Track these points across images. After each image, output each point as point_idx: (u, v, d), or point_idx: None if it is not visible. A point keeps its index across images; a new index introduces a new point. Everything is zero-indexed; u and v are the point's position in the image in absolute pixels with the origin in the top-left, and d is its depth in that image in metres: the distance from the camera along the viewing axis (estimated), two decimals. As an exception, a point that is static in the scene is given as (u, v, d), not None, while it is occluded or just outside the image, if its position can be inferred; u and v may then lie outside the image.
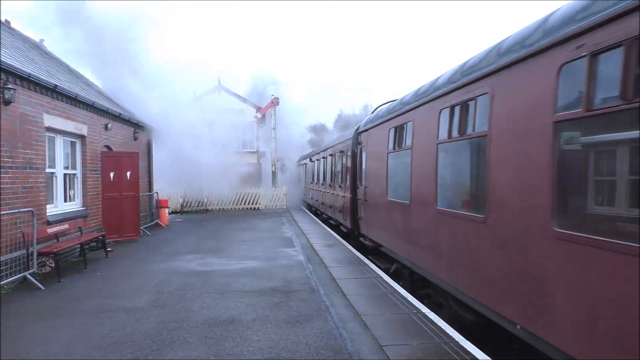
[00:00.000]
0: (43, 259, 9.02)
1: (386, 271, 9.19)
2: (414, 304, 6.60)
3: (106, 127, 13.19)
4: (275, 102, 29.43)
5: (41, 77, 9.43)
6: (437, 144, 6.44)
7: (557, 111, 3.82)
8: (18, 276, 8.10)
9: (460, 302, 5.96)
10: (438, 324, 5.71)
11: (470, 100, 5.44)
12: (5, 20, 13.68)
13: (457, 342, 5.10)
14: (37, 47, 14.04)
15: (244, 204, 25.41)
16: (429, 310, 6.30)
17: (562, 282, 3.76)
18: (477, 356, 4.71)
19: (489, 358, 4.69)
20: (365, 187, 11.06)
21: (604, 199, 3.66)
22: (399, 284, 8.06)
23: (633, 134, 3.16)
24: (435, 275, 6.60)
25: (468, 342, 5.11)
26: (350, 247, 11.91)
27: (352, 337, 5.31)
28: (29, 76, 8.76)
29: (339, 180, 14.85)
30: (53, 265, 9.05)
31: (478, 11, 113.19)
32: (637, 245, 2.97)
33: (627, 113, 3.09)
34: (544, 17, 4.34)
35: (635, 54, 3.05)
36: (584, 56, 3.49)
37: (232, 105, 29.64)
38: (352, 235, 12.85)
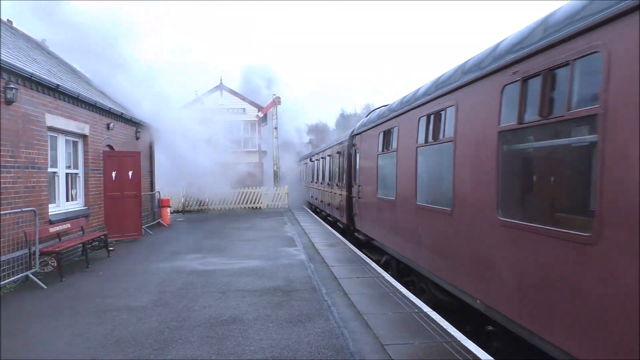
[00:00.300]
0: (45, 259, 9.04)
1: (377, 262, 10.04)
2: (416, 303, 6.60)
3: (108, 127, 13.21)
4: (276, 102, 29.45)
5: (43, 76, 9.45)
6: (417, 147, 7.37)
7: (500, 123, 4.76)
8: (20, 275, 8.12)
9: (438, 287, 6.78)
10: (440, 323, 5.71)
11: (442, 110, 6.38)
12: (7, 20, 13.71)
13: (459, 341, 5.09)
14: (39, 47, 14.07)
15: (246, 204, 25.43)
16: (431, 310, 6.30)
17: (505, 261, 4.69)
18: (479, 356, 4.70)
19: (491, 358, 4.68)
20: (359, 185, 11.89)
21: (535, 193, 4.56)
22: (387, 273, 8.86)
23: (549, 142, 4.23)
24: (416, 263, 7.52)
25: (470, 342, 5.10)
26: (352, 246, 11.90)
27: (354, 337, 5.31)
28: (31, 76, 8.77)
29: (336, 179, 15.64)
30: (55, 264, 9.08)
31: (479, 11, 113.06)
32: (557, 229, 3.86)
33: (544, 127, 4.12)
34: (494, 45, 5.27)
35: (549, 81, 4.04)
36: (518, 80, 4.45)
37: (234, 104, 29.69)
38: (348, 231, 13.74)
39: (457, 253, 5.82)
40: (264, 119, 30.76)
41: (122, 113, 14.10)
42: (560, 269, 3.82)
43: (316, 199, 21.91)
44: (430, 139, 6.86)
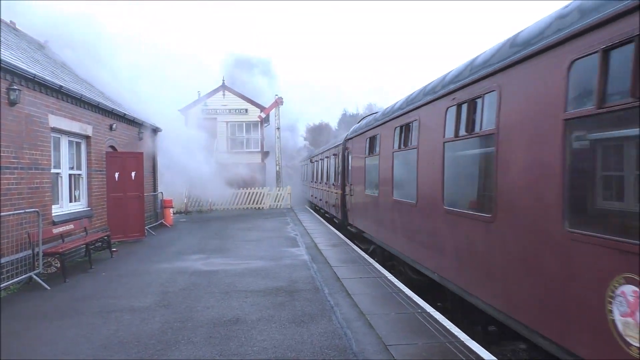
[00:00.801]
0: (48, 259, 9.06)
1: (366, 251, 11.60)
2: (419, 303, 6.59)
3: (111, 128, 13.24)
4: (279, 102, 29.46)
5: (46, 78, 9.47)
6: (393, 152, 8.91)
7: (445, 135, 6.26)
8: (24, 276, 8.14)
9: (412, 268, 8.19)
10: (443, 323, 5.70)
11: (410, 123, 7.94)
12: (11, 21, 13.75)
13: (462, 341, 5.08)
14: (42, 48, 14.10)
15: (248, 204, 25.45)
16: (434, 310, 6.29)
17: (447, 239, 6.23)
18: (483, 356, 4.69)
19: (494, 358, 4.67)
20: (351, 184, 13.51)
21: (464, 188, 6.08)
22: (374, 260, 10.24)
23: (473, 151, 5.76)
24: (394, 249, 9.01)
25: (473, 342, 5.10)
26: (354, 246, 11.91)
27: (357, 337, 5.30)
28: (34, 77, 8.80)
29: (332, 179, 17.16)
30: (58, 265, 9.10)
31: (480, 11, 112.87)
32: (475, 213, 5.34)
33: (470, 140, 5.67)
34: (444, 75, 6.78)
35: (472, 108, 5.48)
36: (455, 105, 5.93)
37: (236, 104, 29.72)
38: (342, 226, 15.22)
39: (420, 237, 7.40)
40: (266, 119, 30.77)
41: (124, 114, 14.13)
42: (477, 238, 5.33)
43: (315, 197, 23.50)
44: (402, 145, 8.41)
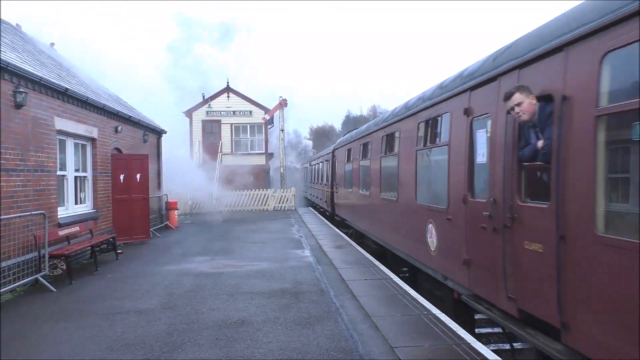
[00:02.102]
0: (54, 261, 9.09)
1: (346, 234, 14.87)
2: (425, 305, 6.56)
3: (116, 130, 13.28)
4: (283, 104, 29.49)
5: (52, 80, 9.52)
6: (360, 162, 12.58)
7: (417, 146, 7.72)
8: (30, 278, 8.16)
9: (375, 243, 11.22)
10: (449, 325, 5.67)
11: (368, 142, 11.43)
12: (17, 24, 13.83)
13: (469, 343, 5.05)
14: (47, 51, 14.17)
15: (253, 205, 25.47)
16: (440, 312, 6.26)
17: (402, 224, 8.54)
18: (489, 357, 4.66)
19: (499, 359, 4.65)
20: (336, 184, 17.55)
21: (428, 184, 7.60)
22: (348, 237, 14.11)
23: (437, 157, 7.14)
24: (363, 229, 12.50)
25: (479, 343, 5.07)
26: (359, 248, 11.89)
27: (363, 339, 5.29)
28: (40, 80, 8.84)
29: (324, 180, 21.44)
30: (64, 267, 9.12)
31: (482, 11, 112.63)
32: (434, 206, 6.86)
33: (433, 149, 7.22)
34: (408, 100, 8.75)
35: (433, 125, 7.06)
36: (422, 121, 7.48)
37: (241, 106, 29.79)
38: (331, 216, 19.27)
39: (377, 219, 10.69)
40: (271, 121, 30.81)
41: (130, 116, 14.18)
42: (433, 225, 6.90)
43: (312, 195, 28.37)
44: (364, 156, 12.08)
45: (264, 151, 29.96)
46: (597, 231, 3.41)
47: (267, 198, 25.77)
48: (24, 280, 8.02)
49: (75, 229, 10.05)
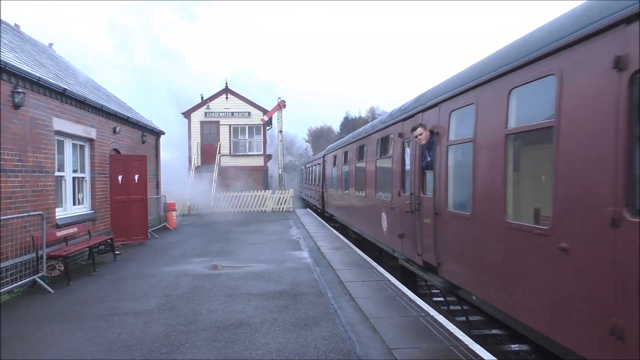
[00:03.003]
0: (52, 262, 9.07)
1: (334, 227, 17.54)
2: (423, 307, 6.57)
3: (115, 131, 13.27)
4: (282, 105, 29.49)
5: (50, 81, 9.51)
6: (342, 166, 15.24)
7: (376, 157, 10.19)
8: (28, 280, 8.15)
9: (355, 232, 13.59)
10: (447, 327, 5.68)
11: (347, 151, 14.03)
12: (15, 24, 13.82)
13: (467, 345, 5.06)
14: (46, 51, 14.16)
15: (251, 207, 25.46)
16: (437, 313, 6.27)
17: (368, 214, 11.08)
18: (486, 358, 4.67)
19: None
20: (326, 184, 20.35)
21: (376, 184, 10.31)
22: (336, 230, 16.55)
23: (384, 165, 9.73)
24: (346, 221, 15.00)
25: (477, 345, 5.08)
26: (357, 249, 11.89)
27: (361, 340, 5.29)
28: (38, 80, 8.83)
29: (317, 181, 23.85)
30: (62, 268, 9.11)
31: (482, 11, 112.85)
32: (381, 199, 9.77)
33: (382, 159, 9.92)
34: (372, 122, 11.61)
35: (385, 143, 9.64)
36: (379, 139, 9.99)
37: (239, 108, 29.78)
38: (322, 212, 22.11)
39: (354, 213, 13.34)
40: (269, 122, 30.80)
41: (128, 117, 14.17)
42: (385, 213, 9.38)
43: (306, 195, 31.11)
44: (344, 162, 14.85)
45: (262, 152, 29.94)
46: (449, 209, 6.24)
47: (266, 199, 25.76)
48: (22, 282, 8.00)
49: (73, 229, 10.03)
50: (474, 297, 5.61)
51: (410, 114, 7.91)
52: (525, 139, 4.88)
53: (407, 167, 8.01)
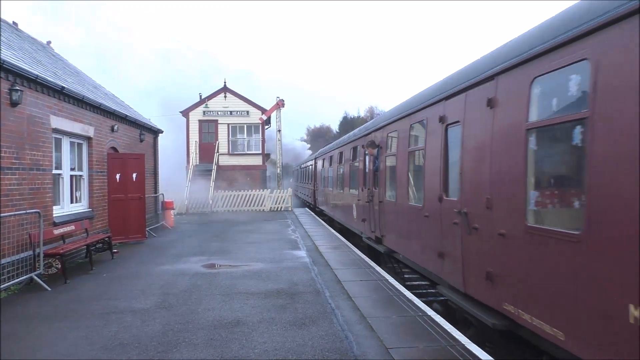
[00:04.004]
0: (49, 260, 9.05)
1: (324, 220, 20.22)
2: (420, 306, 6.57)
3: (112, 129, 13.24)
4: (280, 104, 29.48)
5: (48, 78, 9.48)
6: (328, 168, 18.39)
7: (352, 161, 13.19)
8: (25, 277, 8.13)
9: (339, 223, 16.27)
10: (444, 327, 5.68)
11: (332, 155, 17.40)
12: (13, 22, 13.77)
13: (464, 345, 5.06)
14: (44, 49, 14.12)
15: (250, 206, 25.44)
16: (435, 313, 6.27)
17: (344, 207, 14.52)
18: (483, 358, 4.67)
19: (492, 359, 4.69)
20: (316, 183, 23.84)
21: (357, 180, 12.43)
22: (326, 223, 19.03)
23: (355, 167, 12.80)
24: (331, 214, 17.92)
25: (474, 345, 5.08)
26: (355, 249, 11.89)
27: (358, 340, 5.29)
28: (36, 78, 8.80)
29: (309, 180, 27.43)
30: (59, 266, 9.09)
31: (482, 11, 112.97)
32: (353, 193, 12.79)
33: (353, 162, 13.22)
34: (349, 133, 15.52)
35: (355, 151, 12.84)
36: (354, 147, 12.92)
37: (238, 107, 29.74)
38: (314, 208, 25.38)
39: (336, 207, 16.26)
40: (268, 121, 30.78)
41: (126, 115, 14.14)
42: (353, 205, 12.71)
43: (301, 192, 34.55)
44: (330, 165, 17.67)
45: (260, 151, 29.91)
46: (386, 199, 9.23)
47: (264, 199, 25.74)
48: (19, 279, 7.98)
49: (70, 228, 10.01)
50: (400, 256, 8.66)
51: (367, 133, 11.29)
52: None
53: (367, 170, 10.95)
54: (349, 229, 14.26)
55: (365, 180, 11.06)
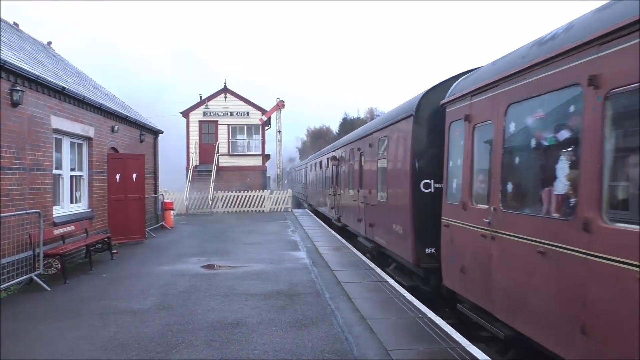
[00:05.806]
0: (49, 260, 9.04)
1: (317, 216, 22.98)
2: (420, 308, 6.57)
3: (113, 129, 13.25)
4: (280, 105, 29.48)
5: (49, 79, 9.48)
6: (317, 171, 23.85)
7: (328, 166, 19.20)
8: (24, 277, 8.13)
9: (327, 218, 20.69)
10: (444, 328, 5.68)
11: (321, 160, 22.11)
12: (14, 22, 13.78)
13: (463, 346, 5.07)
14: (45, 50, 14.13)
15: (249, 207, 25.45)
16: (435, 315, 6.27)
17: (325, 200, 20.31)
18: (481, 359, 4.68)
19: (494, 362, 4.72)
20: (308, 184, 28.63)
21: (343, 181, 15.92)
22: (315, 217, 22.91)
23: (340, 169, 17.23)
24: (319, 208, 23.28)
25: (474, 347, 5.08)
26: (355, 250, 11.90)
27: (358, 341, 5.29)
28: (37, 78, 8.80)
29: (303, 181, 32.69)
30: (59, 266, 9.08)
31: (482, 12, 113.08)
32: (348, 192, 14.52)
33: (321, 170, 21.77)
34: (333, 144, 21.25)
35: (329, 163, 18.72)
36: (328, 160, 19.07)
37: (238, 107, 29.72)
38: (307, 203, 30.20)
39: (322, 202, 21.68)
40: (268, 122, 30.76)
41: (126, 116, 14.14)
42: (327, 198, 19.44)
43: (297, 192, 37.64)
44: (319, 169, 22.81)
45: (260, 152, 29.89)
46: (341, 192, 15.59)
47: (264, 199, 25.75)
48: (19, 279, 7.98)
49: (70, 228, 10.01)
50: (348, 227, 14.11)
51: (333, 150, 17.41)
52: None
53: (333, 174, 17.21)
54: (324, 216, 21.18)
55: (332, 181, 17.37)
